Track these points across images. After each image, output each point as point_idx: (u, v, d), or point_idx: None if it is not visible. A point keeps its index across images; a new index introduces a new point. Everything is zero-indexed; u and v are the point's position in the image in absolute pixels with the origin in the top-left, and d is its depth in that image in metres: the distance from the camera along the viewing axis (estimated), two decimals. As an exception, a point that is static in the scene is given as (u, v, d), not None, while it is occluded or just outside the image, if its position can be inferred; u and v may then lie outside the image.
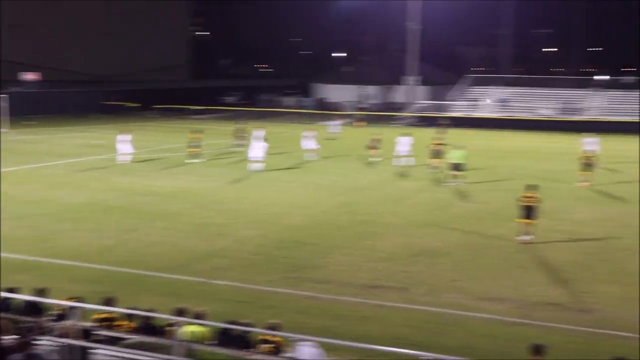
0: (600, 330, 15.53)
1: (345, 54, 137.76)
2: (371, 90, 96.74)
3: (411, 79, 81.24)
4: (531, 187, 23.59)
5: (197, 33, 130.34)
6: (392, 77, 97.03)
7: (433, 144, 38.33)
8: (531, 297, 17.68)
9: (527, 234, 22.86)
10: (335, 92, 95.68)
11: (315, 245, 22.45)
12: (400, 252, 21.86)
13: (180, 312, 12.68)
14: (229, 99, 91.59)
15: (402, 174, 37.20)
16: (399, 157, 39.92)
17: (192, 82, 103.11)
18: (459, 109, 77.15)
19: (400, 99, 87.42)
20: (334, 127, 58.38)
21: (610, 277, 19.33)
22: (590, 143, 41.98)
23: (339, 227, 25.03)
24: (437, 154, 37.57)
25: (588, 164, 34.50)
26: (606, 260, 21.15)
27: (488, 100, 76.77)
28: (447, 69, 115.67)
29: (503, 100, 76.46)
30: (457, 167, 34.19)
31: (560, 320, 16.09)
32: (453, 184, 33.83)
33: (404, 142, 39.99)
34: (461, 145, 35.64)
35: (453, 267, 20.28)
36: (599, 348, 14.41)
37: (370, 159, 40.90)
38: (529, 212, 22.81)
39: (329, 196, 30.98)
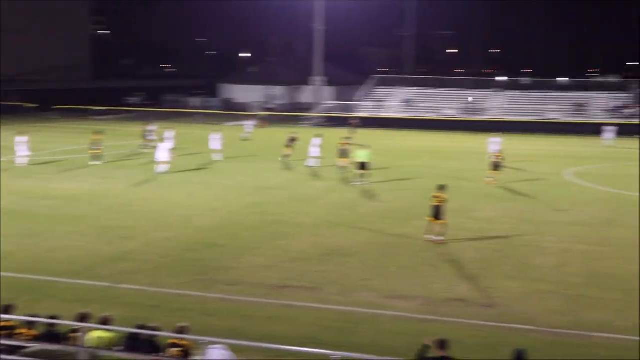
0: (504, 324, 15.93)
1: (252, 55, 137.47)
2: (278, 90, 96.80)
3: (318, 80, 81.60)
4: (440, 187, 23.81)
5: (98, 32, 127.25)
6: (299, 77, 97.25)
7: (341, 143, 38.56)
8: (438, 293, 17.99)
9: (436, 233, 23.15)
10: (242, 93, 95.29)
11: (226, 247, 22.22)
12: (311, 252, 21.87)
13: (83, 318, 12.27)
14: (133, 100, 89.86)
15: (313, 174, 37.30)
16: (310, 157, 40.00)
17: (94, 83, 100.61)
18: (365, 109, 77.96)
19: (307, 99, 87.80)
20: (248, 127, 58.14)
21: (513, 273, 19.87)
22: (495, 142, 43.08)
23: (250, 228, 24.87)
24: (344, 154, 37.81)
25: (496, 163, 35.33)
26: (509, 256, 21.72)
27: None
28: (353, 69, 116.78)
29: (408, 101, 77.79)
30: (363, 166, 34.54)
31: (466, 316, 16.44)
32: (359, 183, 34.18)
33: (315, 143, 40.06)
34: (366, 144, 36.08)
35: (363, 266, 20.43)
36: (502, 341, 14.76)
37: (282, 159, 40.73)
38: (437, 211, 23.15)
39: (239, 197, 30.77)
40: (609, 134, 57.00)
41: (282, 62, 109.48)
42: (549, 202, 30.44)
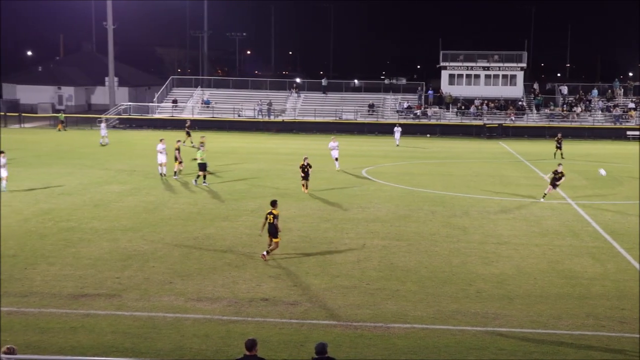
0: (309, 321, 16.17)
1: (39, 53, 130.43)
2: (70, 91, 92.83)
3: (112, 81, 79.25)
4: (273, 203, 21.21)
5: None
6: (93, 78, 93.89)
7: (176, 147, 37.08)
8: (244, 294, 17.92)
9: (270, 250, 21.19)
10: (29, 93, 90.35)
11: (17, 257, 20.83)
12: (109, 257, 21.06)
13: None
14: None
15: (109, 178, 36.05)
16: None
17: None
18: (164, 110, 76.74)
19: (102, 100, 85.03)
20: (103, 131, 55.26)
21: (315, 270, 20.21)
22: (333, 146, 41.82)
23: (43, 236, 23.51)
24: (178, 157, 36.58)
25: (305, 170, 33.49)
26: (311, 254, 22.04)
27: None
28: (150, 70, 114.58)
29: (207, 102, 77.40)
30: (203, 167, 34.39)
31: (271, 315, 16.50)
32: (201, 183, 34.21)
33: (159, 148, 37.27)
34: (201, 145, 35.75)
35: (166, 269, 19.94)
36: (307, 337, 14.98)
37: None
38: (271, 229, 20.96)
39: (30, 204, 29.04)
40: (397, 134, 59.36)
41: (73, 62, 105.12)
42: (348, 200, 31.36)
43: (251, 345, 10.93)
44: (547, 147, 53.28)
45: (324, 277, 19.54)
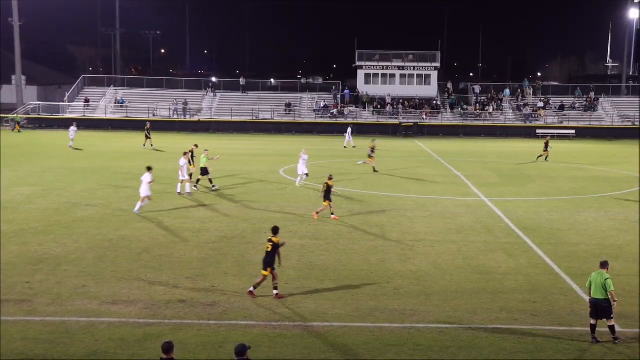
0: (227, 322, 15.98)
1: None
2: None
3: (19, 79, 76.84)
4: (274, 230, 18.22)
5: None
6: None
7: (191, 150, 34.83)
8: (161, 296, 17.59)
9: (273, 285, 17.89)
10: None
11: None
12: (18, 262, 20.35)
13: None
14: None
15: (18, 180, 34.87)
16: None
17: None
18: (75, 109, 74.91)
19: (9, 99, 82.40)
20: (72, 133, 52.54)
21: (233, 270, 20.03)
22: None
23: (-54, 240, 22.54)
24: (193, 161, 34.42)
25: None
26: (229, 254, 21.85)
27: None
28: (61, 69, 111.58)
29: (120, 102, 75.89)
30: (206, 171, 33.24)
31: (189, 316, 16.25)
32: (195, 188, 33.17)
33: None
34: (206, 149, 34.34)
35: (79, 272, 19.39)
36: (226, 339, 14.81)
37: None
38: (270, 259, 17.71)
39: None
40: (348, 135, 57.62)
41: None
42: (266, 200, 31.22)
43: (168, 348, 10.75)
44: (462, 145, 54.16)
45: (242, 277, 19.37)
